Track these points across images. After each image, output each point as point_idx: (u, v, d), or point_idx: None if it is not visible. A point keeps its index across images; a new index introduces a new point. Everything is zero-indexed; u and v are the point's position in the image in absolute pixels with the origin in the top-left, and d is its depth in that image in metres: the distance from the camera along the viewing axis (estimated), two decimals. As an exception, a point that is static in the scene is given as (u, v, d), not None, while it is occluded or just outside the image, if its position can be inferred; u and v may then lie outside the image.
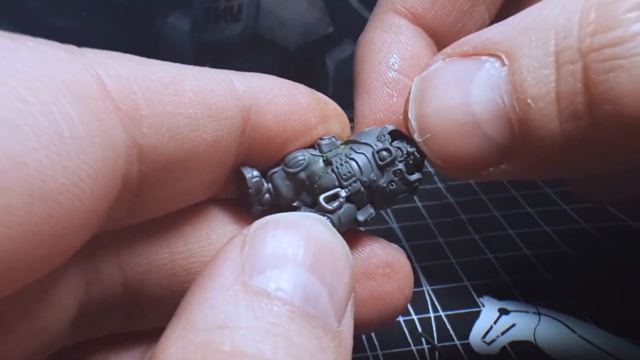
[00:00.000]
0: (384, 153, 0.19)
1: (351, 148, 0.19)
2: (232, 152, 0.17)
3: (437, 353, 0.30)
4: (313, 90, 0.19)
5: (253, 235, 0.15)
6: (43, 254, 0.12)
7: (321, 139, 0.20)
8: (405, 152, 0.19)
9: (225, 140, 0.16)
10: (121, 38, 0.47)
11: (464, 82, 0.17)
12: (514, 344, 0.30)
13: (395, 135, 0.20)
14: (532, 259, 0.37)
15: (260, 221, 0.16)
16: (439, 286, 0.34)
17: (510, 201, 0.41)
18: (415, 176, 0.19)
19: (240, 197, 0.19)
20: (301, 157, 0.19)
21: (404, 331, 0.31)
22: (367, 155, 0.19)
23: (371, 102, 0.21)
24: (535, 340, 0.31)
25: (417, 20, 0.21)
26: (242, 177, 0.19)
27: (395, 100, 0.21)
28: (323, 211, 0.18)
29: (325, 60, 0.53)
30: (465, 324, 0.32)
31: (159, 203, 0.16)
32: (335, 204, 0.18)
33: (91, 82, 0.13)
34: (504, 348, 0.30)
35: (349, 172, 0.19)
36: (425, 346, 0.30)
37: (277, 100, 0.18)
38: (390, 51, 0.21)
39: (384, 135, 0.19)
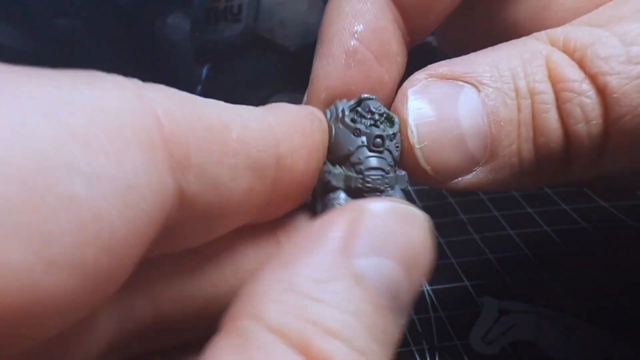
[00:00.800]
0: (378, 140, 0.18)
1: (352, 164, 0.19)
2: (266, 195, 0.17)
3: (437, 353, 0.30)
4: (315, 113, 0.19)
5: (368, 214, 0.15)
6: (95, 298, 0.12)
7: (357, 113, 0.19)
8: (379, 113, 0.19)
9: (260, 187, 0.16)
10: (121, 38, 0.47)
11: (452, 99, 0.18)
12: (514, 344, 0.30)
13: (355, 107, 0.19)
14: (532, 259, 0.37)
15: (377, 204, 0.16)
16: (439, 286, 0.34)
17: (510, 201, 0.41)
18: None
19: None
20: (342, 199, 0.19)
21: (404, 331, 0.31)
22: (370, 152, 0.19)
23: (328, 66, 0.21)
24: (535, 340, 0.31)
25: None
26: None
27: (351, 69, 0.21)
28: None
29: (325, 60, 0.53)
30: (465, 324, 0.32)
31: (190, 240, 0.16)
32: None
33: (154, 129, 0.13)
34: (504, 348, 0.30)
35: (378, 182, 0.19)
36: (425, 346, 0.30)
37: (305, 143, 0.18)
38: (357, 19, 0.21)
39: (358, 118, 0.19)
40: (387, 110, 0.19)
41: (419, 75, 0.19)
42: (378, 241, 0.15)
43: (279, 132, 0.17)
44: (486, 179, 0.19)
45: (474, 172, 0.19)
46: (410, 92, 0.19)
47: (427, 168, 0.19)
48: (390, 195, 0.18)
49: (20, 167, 0.10)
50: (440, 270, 0.35)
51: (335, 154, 0.19)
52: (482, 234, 0.38)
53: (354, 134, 0.19)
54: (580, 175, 0.19)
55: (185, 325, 0.17)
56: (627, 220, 0.39)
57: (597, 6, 0.19)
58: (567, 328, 0.31)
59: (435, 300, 0.33)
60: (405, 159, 0.19)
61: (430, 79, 0.19)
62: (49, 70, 0.13)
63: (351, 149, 0.18)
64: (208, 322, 0.16)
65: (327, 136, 0.19)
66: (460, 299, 0.33)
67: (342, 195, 0.19)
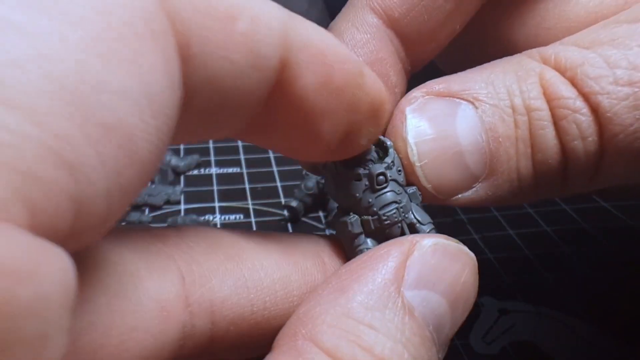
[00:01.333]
0: (380, 178, 0.18)
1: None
2: (263, 101, 0.15)
3: (437, 353, 0.30)
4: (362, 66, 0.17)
5: (423, 250, 0.16)
6: (124, 209, 0.12)
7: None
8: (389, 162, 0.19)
9: (261, 90, 0.15)
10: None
11: (450, 116, 0.18)
12: (513, 344, 0.30)
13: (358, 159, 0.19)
14: (531, 259, 0.37)
15: (429, 240, 0.16)
16: (439, 286, 0.34)
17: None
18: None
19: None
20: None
21: None
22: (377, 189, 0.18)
23: None
24: (535, 340, 0.31)
25: (391, 23, 0.21)
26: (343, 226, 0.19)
27: None
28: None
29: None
30: (465, 323, 0.32)
31: (187, 136, 0.16)
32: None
33: (158, 10, 0.12)
34: (503, 348, 0.30)
35: (395, 215, 0.18)
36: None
37: (319, 72, 0.15)
38: (356, 50, 0.21)
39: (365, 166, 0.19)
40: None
41: (416, 93, 0.19)
42: (428, 275, 0.16)
43: (295, 35, 0.15)
44: (486, 195, 0.19)
45: (474, 189, 0.19)
46: (408, 110, 0.19)
47: (428, 186, 0.19)
48: (410, 220, 0.19)
49: (58, 95, 0.10)
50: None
51: (344, 203, 0.19)
52: (482, 233, 0.38)
53: (355, 180, 0.18)
54: (576, 190, 0.20)
55: (237, 345, 0.17)
56: (627, 220, 0.39)
57: (586, 27, 0.19)
58: (567, 328, 0.31)
59: (435, 300, 0.33)
60: (407, 178, 0.19)
61: (427, 97, 0.19)
62: None
63: (358, 195, 0.18)
64: (258, 342, 0.17)
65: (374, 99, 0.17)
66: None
67: (366, 239, 0.19)
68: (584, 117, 0.17)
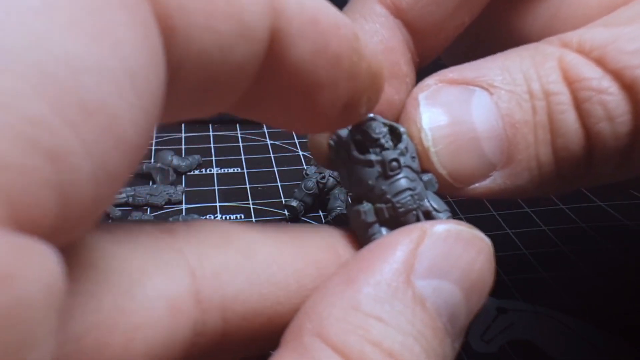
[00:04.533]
0: (394, 164, 0.18)
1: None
2: (254, 74, 0.15)
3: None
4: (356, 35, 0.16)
5: (434, 237, 0.15)
6: (112, 195, 0.11)
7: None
8: (383, 134, 0.18)
9: (252, 62, 0.14)
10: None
11: (465, 102, 0.18)
12: (512, 343, 0.31)
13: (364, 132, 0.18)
14: (530, 258, 0.37)
15: (441, 226, 0.16)
16: (438, 285, 0.34)
17: (508, 201, 0.42)
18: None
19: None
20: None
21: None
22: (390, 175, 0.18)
23: None
24: (533, 339, 0.31)
25: (399, 13, 0.21)
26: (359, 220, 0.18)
27: None
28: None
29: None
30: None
31: (176, 113, 0.15)
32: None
33: None
34: (502, 347, 0.30)
35: (409, 202, 0.18)
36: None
37: (314, 41, 0.14)
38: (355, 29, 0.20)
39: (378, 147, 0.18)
40: (389, 123, 0.18)
41: (429, 81, 0.19)
42: (439, 263, 0.15)
43: (284, 4, 0.14)
44: (504, 184, 0.18)
45: (491, 177, 0.18)
46: (421, 97, 0.19)
47: (444, 172, 0.18)
48: (426, 208, 0.18)
49: (31, 76, 0.09)
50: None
51: (357, 190, 0.18)
52: (481, 233, 0.39)
53: (367, 167, 0.18)
54: (603, 179, 0.19)
55: (249, 341, 0.16)
56: (624, 220, 0.39)
57: (610, 12, 0.19)
58: (565, 326, 0.32)
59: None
60: (422, 165, 0.18)
61: (440, 84, 0.19)
62: None
63: (371, 182, 0.18)
64: (270, 337, 0.16)
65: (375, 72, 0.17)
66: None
67: (380, 228, 0.18)
68: (612, 97, 0.16)
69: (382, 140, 0.18)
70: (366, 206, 0.18)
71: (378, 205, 0.18)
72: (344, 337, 0.13)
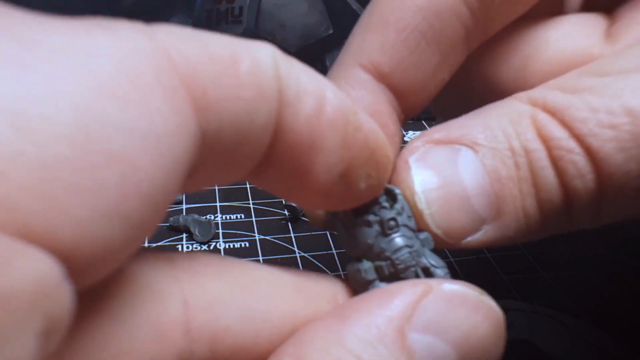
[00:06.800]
0: (391, 223, 0.18)
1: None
2: (272, 136, 0.16)
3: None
4: (347, 102, 0.17)
5: (439, 294, 0.15)
6: (137, 243, 0.12)
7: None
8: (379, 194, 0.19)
9: (271, 123, 0.15)
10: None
11: (453, 162, 0.19)
12: (512, 343, 0.31)
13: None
14: (529, 258, 0.37)
15: (449, 285, 0.16)
16: (438, 285, 0.35)
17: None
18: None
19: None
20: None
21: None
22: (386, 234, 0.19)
23: None
24: (533, 338, 0.31)
25: (381, 78, 0.22)
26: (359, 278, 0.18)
27: None
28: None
29: (325, 61, 0.53)
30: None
31: (210, 180, 0.16)
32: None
33: (171, 69, 0.13)
34: (501, 346, 0.31)
35: (408, 259, 0.18)
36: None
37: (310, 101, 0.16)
38: (355, 106, 0.21)
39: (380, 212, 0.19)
40: (386, 185, 0.19)
41: (417, 143, 0.20)
42: (439, 321, 0.15)
43: (284, 72, 0.15)
44: (494, 236, 0.19)
45: (482, 231, 0.19)
46: (411, 160, 0.19)
47: (439, 232, 0.19)
48: (424, 264, 0.18)
49: (64, 125, 0.10)
50: (438, 269, 0.36)
51: (356, 251, 0.19)
52: (481, 233, 0.39)
53: (366, 226, 0.18)
54: (583, 226, 0.20)
55: None
56: (624, 220, 0.39)
57: (564, 72, 0.20)
58: (564, 326, 0.32)
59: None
60: (417, 225, 0.19)
61: (427, 145, 0.19)
62: (56, 16, 0.12)
63: (370, 241, 0.18)
64: None
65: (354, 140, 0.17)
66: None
67: (381, 285, 0.18)
68: (579, 157, 0.18)
69: (381, 199, 0.19)
70: (366, 264, 0.18)
71: (377, 262, 0.18)
72: None
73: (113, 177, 0.11)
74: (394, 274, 0.18)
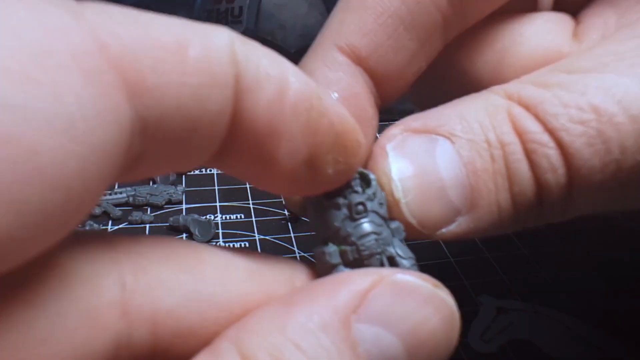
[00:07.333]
0: (360, 207, 0.18)
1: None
2: (228, 122, 0.15)
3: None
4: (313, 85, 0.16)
5: (389, 285, 0.15)
6: (47, 239, 0.12)
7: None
8: (353, 177, 0.19)
9: (225, 110, 0.15)
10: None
11: (430, 152, 0.19)
12: (512, 343, 0.31)
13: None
14: (529, 257, 0.37)
15: (402, 276, 0.15)
16: (438, 285, 0.34)
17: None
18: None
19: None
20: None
21: None
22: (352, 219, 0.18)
23: None
24: (533, 338, 0.31)
25: (359, 61, 0.21)
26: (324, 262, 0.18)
27: None
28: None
29: (326, 61, 0.53)
30: (464, 322, 0.32)
31: (160, 167, 0.16)
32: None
33: (96, 52, 0.12)
34: (502, 346, 0.31)
35: (373, 246, 0.18)
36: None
37: (271, 86, 0.15)
38: (331, 88, 0.21)
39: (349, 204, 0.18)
40: (360, 170, 0.19)
41: (394, 130, 0.20)
42: (387, 312, 0.15)
43: (242, 54, 0.15)
44: (468, 228, 0.19)
45: (457, 222, 0.19)
46: (389, 147, 0.19)
47: (414, 221, 0.19)
48: (390, 253, 0.18)
49: None
50: (438, 269, 0.36)
51: (323, 233, 0.19)
52: (481, 233, 0.39)
53: (334, 209, 0.18)
54: (553, 220, 0.20)
55: (183, 358, 0.16)
56: (623, 219, 0.39)
57: (537, 68, 0.20)
58: (564, 326, 0.32)
59: (433, 299, 0.33)
60: (391, 214, 0.19)
61: (405, 134, 0.19)
62: None
63: (337, 224, 0.18)
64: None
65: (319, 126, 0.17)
66: (458, 297, 0.34)
67: (344, 270, 0.18)
68: (552, 151, 0.18)
69: (353, 183, 0.18)
70: (331, 248, 0.18)
71: (343, 247, 0.18)
72: (256, 351, 0.14)
73: (5, 161, 0.10)
74: (358, 260, 0.18)
